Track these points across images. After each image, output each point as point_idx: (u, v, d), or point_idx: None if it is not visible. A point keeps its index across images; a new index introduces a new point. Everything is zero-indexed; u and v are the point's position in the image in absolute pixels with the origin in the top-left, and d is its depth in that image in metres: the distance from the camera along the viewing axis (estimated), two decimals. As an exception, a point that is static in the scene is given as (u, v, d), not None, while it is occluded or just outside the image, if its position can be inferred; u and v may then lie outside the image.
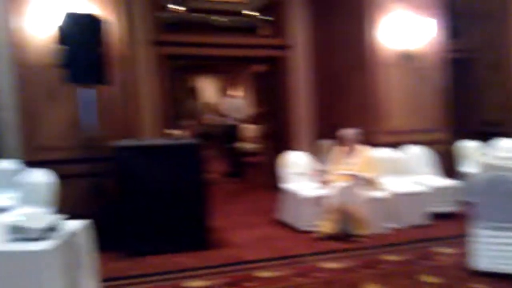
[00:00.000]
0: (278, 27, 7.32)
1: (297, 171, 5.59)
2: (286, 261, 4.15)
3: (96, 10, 4.90)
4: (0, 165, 4.84)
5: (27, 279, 2.63)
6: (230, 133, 8.87)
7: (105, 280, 3.44)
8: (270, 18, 7.55)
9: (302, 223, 5.02)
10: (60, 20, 4.41)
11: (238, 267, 4.05)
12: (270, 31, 7.55)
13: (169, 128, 5.69)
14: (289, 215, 5.30)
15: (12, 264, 2.64)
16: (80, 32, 4.43)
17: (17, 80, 4.90)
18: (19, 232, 2.75)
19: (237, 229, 5.25)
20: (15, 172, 4.64)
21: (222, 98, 9.59)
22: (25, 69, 4.86)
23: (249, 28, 7.90)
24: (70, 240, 2.91)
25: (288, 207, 5.33)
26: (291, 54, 7.15)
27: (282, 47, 7.15)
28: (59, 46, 4.37)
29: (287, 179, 5.51)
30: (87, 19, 4.53)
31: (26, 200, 3.84)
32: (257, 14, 7.95)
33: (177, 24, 7.36)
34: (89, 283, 3.10)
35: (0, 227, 2.83)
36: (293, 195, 5.23)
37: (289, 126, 7.21)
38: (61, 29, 4.38)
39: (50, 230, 2.81)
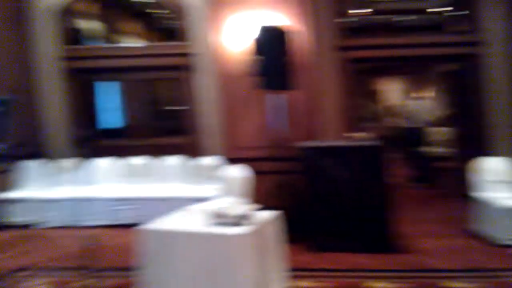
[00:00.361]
0: (469, 22, 6.70)
1: (495, 178, 5.03)
2: (480, 274, 3.80)
3: (287, 21, 5.29)
4: (205, 161, 5.65)
5: (224, 258, 3.00)
6: (415, 136, 8.47)
7: (290, 269, 3.67)
8: (460, 13, 6.97)
9: (501, 236, 4.51)
10: (255, 33, 4.91)
11: (425, 274, 3.87)
12: (460, 27, 6.96)
13: (351, 130, 5.75)
14: (484, 227, 4.80)
15: (212, 244, 3.05)
16: (273, 43, 4.88)
17: (219, 88, 5.63)
18: (219, 218, 3.16)
19: (424, 236, 4.96)
20: (217, 167, 5.35)
21: (407, 100, 9.21)
22: (225, 79, 5.55)
23: (437, 25, 7.43)
24: (262, 228, 3.20)
25: (484, 217, 4.83)
26: (486, 51, 6.47)
27: (475, 44, 6.52)
28: (255, 57, 4.87)
29: (483, 187, 5.00)
30: (279, 31, 4.95)
31: (227, 191, 4.38)
32: (445, 10, 7.43)
33: (361, 28, 7.38)
34: (276, 269, 3.35)
35: (205, 213, 3.29)
36: (490, 205, 4.72)
37: (484, 129, 6.52)
38: (257, 41, 4.87)
39: (245, 217, 3.14)
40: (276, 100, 5.13)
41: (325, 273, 3.93)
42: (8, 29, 6.44)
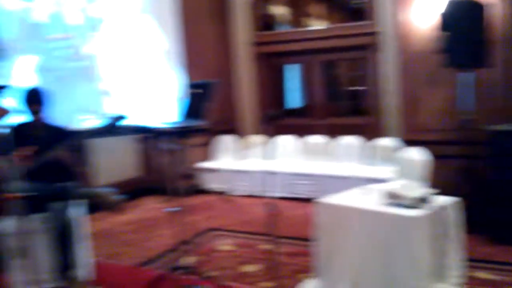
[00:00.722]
0: None
1: None
2: None
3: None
4: (383, 142, 5.61)
5: (397, 238, 2.99)
6: None
7: (469, 259, 3.46)
8: None
9: None
10: (442, 8, 4.62)
11: None
12: None
13: None
14: None
15: (387, 223, 3.07)
16: (462, 18, 4.52)
17: (400, 67, 5.47)
18: (395, 198, 3.16)
19: None
20: (395, 149, 5.27)
21: None
22: (407, 56, 5.36)
23: None
24: (439, 212, 3.09)
25: None
26: None
27: None
28: (441, 33, 4.59)
29: None
30: (469, 5, 4.56)
31: (403, 174, 4.32)
32: None
33: None
34: (454, 256, 3.21)
35: (381, 193, 3.32)
36: None
37: None
38: (444, 16, 4.58)
39: (422, 200, 3.08)
40: (464, 78, 4.76)
41: (507, 267, 3.61)
42: (214, 21, 7.33)
